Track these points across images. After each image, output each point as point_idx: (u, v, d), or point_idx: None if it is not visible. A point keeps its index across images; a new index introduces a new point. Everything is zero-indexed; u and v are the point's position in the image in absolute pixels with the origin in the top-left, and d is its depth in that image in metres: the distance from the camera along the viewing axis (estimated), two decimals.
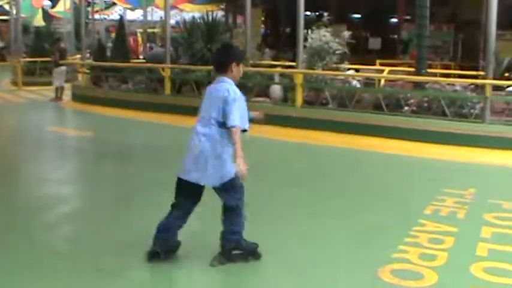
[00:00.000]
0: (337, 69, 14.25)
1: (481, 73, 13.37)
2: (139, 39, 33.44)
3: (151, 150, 11.67)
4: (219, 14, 26.64)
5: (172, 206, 5.48)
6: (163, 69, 16.62)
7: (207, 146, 5.24)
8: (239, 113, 5.25)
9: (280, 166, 10.28)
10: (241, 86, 14.41)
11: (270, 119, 12.98)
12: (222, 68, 5.44)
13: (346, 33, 14.60)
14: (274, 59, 20.01)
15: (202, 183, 5.33)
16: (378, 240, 6.29)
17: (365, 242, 6.26)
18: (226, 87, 5.32)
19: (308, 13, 25.63)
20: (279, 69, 15.97)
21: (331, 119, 12.91)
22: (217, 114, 5.25)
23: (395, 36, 26.94)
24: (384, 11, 28.73)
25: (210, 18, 17.10)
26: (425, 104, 12.59)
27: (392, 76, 15.40)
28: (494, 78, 12.51)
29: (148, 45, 28.78)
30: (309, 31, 14.37)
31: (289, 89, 14.26)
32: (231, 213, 5.39)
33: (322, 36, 14.09)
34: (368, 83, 15.28)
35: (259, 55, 18.34)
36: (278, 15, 28.86)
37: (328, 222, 6.90)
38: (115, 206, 7.61)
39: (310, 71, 14.01)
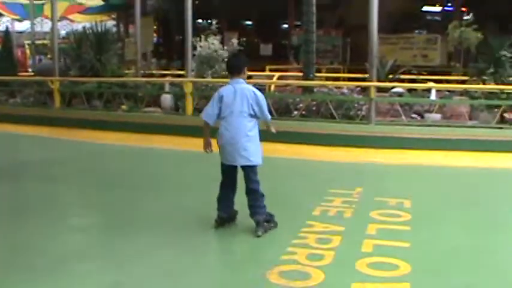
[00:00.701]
0: (227, 76, 14.32)
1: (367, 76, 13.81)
2: (28, 51, 32.56)
3: (42, 165, 11.38)
4: (110, 23, 26.42)
5: (220, 186, 6.90)
6: (52, 82, 16.26)
7: (244, 132, 6.61)
8: (267, 109, 6.85)
9: (172, 175, 10.29)
10: (131, 96, 14.55)
11: (161, 129, 13.17)
12: (238, 71, 6.82)
13: (235, 41, 14.75)
14: (165, 68, 19.97)
15: (249, 163, 6.70)
16: (267, 244, 6.39)
17: (254, 246, 6.36)
18: (250, 87, 6.78)
19: (200, 21, 25.84)
20: (168, 78, 15.93)
21: None
22: (248, 108, 6.62)
23: (287, 41, 27.41)
24: (275, 18, 29.21)
25: (100, 28, 16.93)
26: (314, 108, 12.88)
27: (279, 81, 15.71)
28: (379, 81, 12.96)
29: (37, 57, 28.08)
30: (200, 39, 14.46)
31: (180, 97, 14.26)
32: (255, 194, 6.74)
33: (210, 44, 14.18)
34: (259, 89, 15.42)
35: (147, 64, 18.19)
36: (170, 23, 28.81)
37: (219, 228, 6.94)
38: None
39: (200, 79, 14.08)
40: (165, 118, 13.86)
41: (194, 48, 14.35)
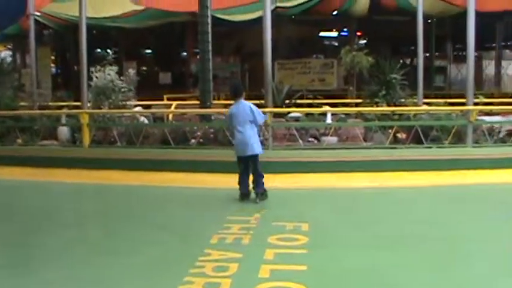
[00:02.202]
0: (124, 106, 14.22)
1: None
2: None
3: None
4: (6, 53, 25.75)
5: (240, 173, 10.00)
6: None
7: (249, 134, 9.86)
8: (260, 114, 10.11)
9: (65, 208, 9.96)
10: (27, 129, 14.09)
11: (58, 162, 12.86)
12: (240, 94, 10.12)
13: (131, 71, 14.69)
14: (61, 100, 19.48)
15: (254, 153, 9.85)
16: (165, 274, 6.32)
17: (151, 277, 6.27)
18: (248, 103, 10.07)
19: (99, 50, 25.59)
20: (65, 110, 15.59)
21: (120, 158, 12.84)
22: (249, 117, 9.88)
23: (186, 70, 27.42)
24: (174, 46, 29.23)
25: None
26: (212, 136, 12.91)
27: (176, 110, 15.75)
28: (276, 106, 13.14)
29: None
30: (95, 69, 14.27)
31: (77, 129, 14.04)
32: (258, 175, 9.93)
33: (107, 74, 14.03)
34: (157, 118, 15.42)
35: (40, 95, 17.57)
36: (68, 53, 28.40)
37: (114, 261, 6.83)
38: None
39: (96, 111, 13.88)
40: (62, 151, 13.59)
41: (91, 78, 14.12)
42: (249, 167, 9.93)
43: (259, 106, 14.05)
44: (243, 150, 9.85)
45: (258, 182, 9.92)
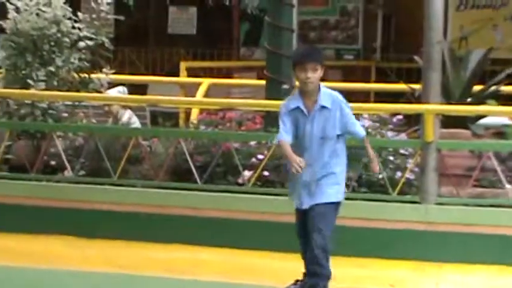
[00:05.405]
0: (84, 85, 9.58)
1: None
2: None
3: None
4: None
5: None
6: None
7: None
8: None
9: None
10: None
11: None
12: None
13: None
14: None
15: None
16: None
17: None
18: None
19: None
20: None
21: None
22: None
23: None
24: None
25: None
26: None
27: (213, 101, 11.70)
28: (448, 99, 9.57)
29: None
30: None
31: None
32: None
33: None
34: (165, 116, 11.19)
35: None
36: None
37: None
38: None
39: (15, 91, 8.98)
40: None
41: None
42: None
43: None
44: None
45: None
